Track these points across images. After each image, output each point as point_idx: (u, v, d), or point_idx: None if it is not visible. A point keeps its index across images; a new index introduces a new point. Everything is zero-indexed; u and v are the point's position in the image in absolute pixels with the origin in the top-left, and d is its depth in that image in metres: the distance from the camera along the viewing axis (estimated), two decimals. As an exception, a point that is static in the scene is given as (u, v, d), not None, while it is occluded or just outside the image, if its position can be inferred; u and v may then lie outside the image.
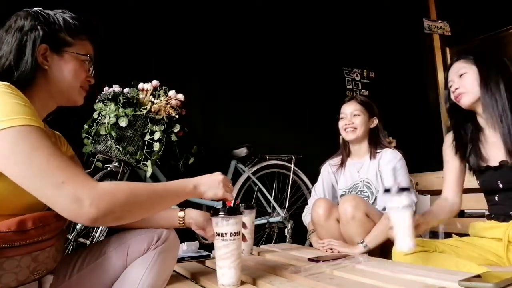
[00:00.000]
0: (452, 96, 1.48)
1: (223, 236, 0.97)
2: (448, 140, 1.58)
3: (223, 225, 0.97)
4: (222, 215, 0.98)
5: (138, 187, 0.82)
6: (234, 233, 0.98)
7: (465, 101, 1.43)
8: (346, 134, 1.94)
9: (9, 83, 0.80)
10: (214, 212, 1.00)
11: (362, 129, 1.92)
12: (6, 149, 0.71)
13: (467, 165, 1.52)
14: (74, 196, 0.71)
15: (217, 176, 0.99)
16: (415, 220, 1.25)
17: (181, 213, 1.10)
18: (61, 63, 0.93)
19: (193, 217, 1.11)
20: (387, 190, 1.25)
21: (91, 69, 1.00)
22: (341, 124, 1.97)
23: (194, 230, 1.11)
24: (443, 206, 1.54)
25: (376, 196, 1.86)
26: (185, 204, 2.27)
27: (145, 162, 2.03)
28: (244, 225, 1.11)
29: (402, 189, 1.23)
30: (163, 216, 1.08)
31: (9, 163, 0.72)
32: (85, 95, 1.00)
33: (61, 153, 0.76)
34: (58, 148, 0.80)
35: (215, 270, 1.40)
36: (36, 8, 0.93)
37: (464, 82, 1.43)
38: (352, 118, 1.92)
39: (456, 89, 1.45)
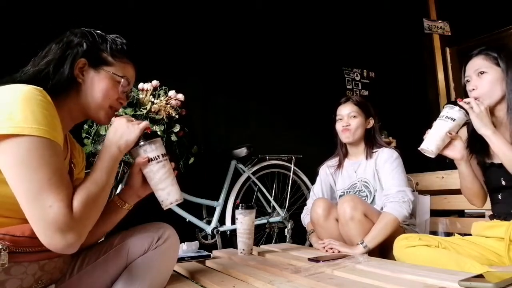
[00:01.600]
0: (469, 95, 1.42)
1: (157, 159, 0.99)
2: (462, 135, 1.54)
3: (152, 149, 0.99)
4: (149, 141, 0.99)
5: (92, 192, 0.82)
6: (164, 153, 1.01)
7: (483, 104, 1.38)
8: (343, 135, 1.94)
9: (41, 88, 0.81)
10: (137, 143, 0.99)
11: (359, 131, 1.92)
12: (16, 158, 0.73)
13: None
14: (56, 228, 0.73)
15: (118, 122, 0.96)
16: (452, 135, 1.34)
17: (118, 200, 1.04)
18: (95, 80, 0.95)
19: (126, 189, 1.05)
20: (450, 102, 1.39)
21: (126, 92, 1.02)
22: (338, 125, 1.96)
23: (138, 197, 1.05)
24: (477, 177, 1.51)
25: (374, 196, 1.87)
26: (184, 205, 2.25)
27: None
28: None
29: (459, 106, 1.33)
30: (106, 215, 1.02)
31: (14, 172, 0.74)
32: (113, 116, 1.01)
33: (63, 173, 0.79)
34: (62, 166, 0.81)
35: (215, 270, 1.41)
36: (91, 29, 0.98)
37: (483, 83, 1.37)
38: (348, 120, 1.92)
39: (474, 89, 1.39)
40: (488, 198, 1.51)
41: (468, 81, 1.43)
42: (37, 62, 0.92)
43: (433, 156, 1.37)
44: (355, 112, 1.93)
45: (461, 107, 1.34)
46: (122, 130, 0.94)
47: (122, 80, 0.98)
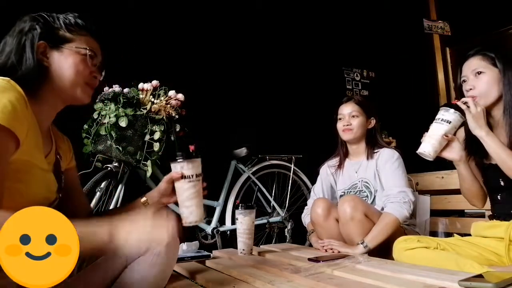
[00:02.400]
0: (466, 94, 1.41)
1: (190, 178, 1.03)
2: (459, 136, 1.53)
3: (189, 168, 1.03)
4: (188, 159, 1.03)
5: None
6: (199, 174, 1.04)
7: (479, 104, 1.38)
8: (344, 135, 1.94)
9: (8, 78, 0.80)
10: (177, 158, 1.04)
11: (360, 131, 1.92)
12: None
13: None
14: None
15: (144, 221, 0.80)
16: (449, 137, 1.34)
17: (143, 199, 1.10)
18: (61, 59, 0.92)
19: (154, 191, 1.11)
20: (445, 105, 1.39)
21: (98, 64, 0.99)
22: (339, 125, 1.96)
23: (161, 203, 1.11)
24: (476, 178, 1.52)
25: (375, 196, 1.87)
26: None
27: (145, 162, 2.03)
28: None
29: (456, 108, 1.33)
30: (131, 211, 1.05)
31: None
32: (91, 92, 0.99)
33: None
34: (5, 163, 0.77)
35: (215, 270, 1.41)
36: (39, 12, 0.95)
37: (480, 83, 1.37)
38: (350, 119, 1.92)
39: (471, 89, 1.38)
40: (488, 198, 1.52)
41: (464, 81, 1.43)
42: None
43: (431, 159, 1.37)
44: (357, 112, 1.92)
45: (456, 109, 1.34)
46: (143, 236, 0.79)
47: (87, 51, 0.95)
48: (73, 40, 0.94)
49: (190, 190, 1.03)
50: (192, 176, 1.03)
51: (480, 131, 1.32)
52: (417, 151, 1.39)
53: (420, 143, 1.40)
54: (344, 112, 1.94)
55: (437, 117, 1.36)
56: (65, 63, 0.92)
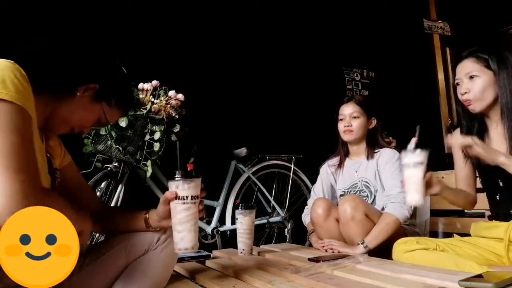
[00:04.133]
0: (460, 98, 1.40)
1: (184, 199, 0.95)
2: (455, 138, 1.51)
3: (184, 188, 0.95)
4: (184, 178, 0.96)
5: None
6: (195, 196, 0.96)
7: (475, 108, 1.38)
8: (345, 136, 1.94)
9: (13, 61, 0.80)
10: (172, 176, 0.97)
11: (361, 132, 1.91)
12: None
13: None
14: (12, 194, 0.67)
15: None
16: (427, 177, 1.28)
17: (146, 215, 1.05)
18: (88, 105, 0.95)
19: (154, 213, 1.05)
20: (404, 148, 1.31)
21: (97, 127, 1.06)
22: (340, 125, 1.96)
23: (162, 226, 1.05)
24: (460, 190, 1.54)
25: (375, 196, 1.86)
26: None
27: (145, 162, 2.03)
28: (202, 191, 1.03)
29: (417, 146, 1.27)
30: (132, 221, 1.05)
31: None
32: (72, 132, 1.00)
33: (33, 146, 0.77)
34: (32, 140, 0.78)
35: (215, 270, 1.41)
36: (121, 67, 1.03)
37: (474, 87, 1.35)
38: (350, 120, 1.91)
39: (466, 92, 1.37)
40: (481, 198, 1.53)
41: (458, 84, 1.41)
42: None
43: (421, 203, 1.31)
44: (357, 113, 1.92)
45: (417, 146, 1.27)
46: None
47: (105, 122, 1.01)
48: (110, 106, 0.99)
49: (183, 212, 0.95)
50: (187, 197, 0.95)
51: (498, 160, 1.27)
52: (405, 203, 1.35)
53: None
54: (345, 112, 1.94)
55: (406, 161, 1.29)
56: (85, 110, 0.96)
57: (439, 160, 1.58)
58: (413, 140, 1.27)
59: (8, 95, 0.72)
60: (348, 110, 1.93)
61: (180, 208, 0.95)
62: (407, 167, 1.28)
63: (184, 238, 0.96)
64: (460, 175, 1.57)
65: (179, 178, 0.95)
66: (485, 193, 1.53)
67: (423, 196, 1.27)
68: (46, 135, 1.01)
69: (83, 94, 0.93)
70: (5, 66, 0.76)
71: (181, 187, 0.95)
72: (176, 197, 0.95)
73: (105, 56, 1.00)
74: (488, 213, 1.57)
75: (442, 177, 2.25)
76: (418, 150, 1.27)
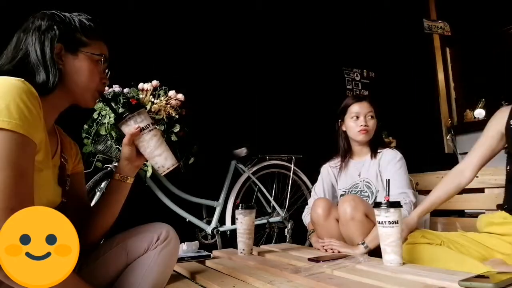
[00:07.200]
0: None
1: (149, 127, 1.00)
2: (502, 116, 1.45)
3: (142, 119, 1.00)
4: (137, 112, 1.00)
5: None
6: (152, 122, 1.02)
7: None
8: (360, 135, 1.88)
9: (23, 79, 0.78)
10: (125, 116, 0.99)
11: (373, 132, 1.90)
12: None
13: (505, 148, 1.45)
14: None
15: None
16: (403, 235, 1.29)
17: (117, 175, 1.05)
18: (76, 63, 0.91)
19: (121, 161, 1.04)
20: (377, 204, 1.29)
21: (106, 70, 0.99)
22: (351, 123, 1.89)
23: (135, 168, 1.06)
24: (452, 181, 1.54)
25: (376, 196, 1.86)
26: (184, 205, 2.25)
27: (145, 162, 2.03)
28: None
29: (392, 204, 1.26)
30: (112, 193, 1.05)
31: None
32: (99, 97, 0.99)
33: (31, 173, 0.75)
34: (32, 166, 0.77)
35: (215, 270, 1.41)
36: (52, 10, 0.93)
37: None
38: (366, 120, 1.87)
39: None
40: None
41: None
42: (10, 55, 0.87)
43: (400, 263, 1.27)
44: (373, 113, 1.89)
45: (392, 205, 1.26)
46: None
47: (101, 58, 0.95)
48: (88, 45, 0.93)
49: (154, 138, 1.01)
50: (149, 125, 1.00)
51: None
52: (386, 264, 1.28)
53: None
54: (360, 111, 1.88)
55: (381, 220, 1.27)
56: (79, 68, 0.92)
57: (439, 160, 1.58)
58: (385, 199, 1.27)
59: (10, 124, 0.71)
60: (364, 109, 1.89)
61: (149, 136, 1.01)
62: (383, 226, 1.27)
63: (167, 157, 1.02)
64: (478, 152, 1.50)
65: (132, 114, 0.99)
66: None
67: (402, 255, 1.27)
68: (61, 139, 1.01)
69: (61, 61, 0.89)
70: (12, 88, 0.74)
71: (139, 120, 1.00)
72: (141, 130, 0.99)
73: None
74: (488, 213, 1.56)
75: (442, 177, 2.25)
76: (392, 209, 1.25)
